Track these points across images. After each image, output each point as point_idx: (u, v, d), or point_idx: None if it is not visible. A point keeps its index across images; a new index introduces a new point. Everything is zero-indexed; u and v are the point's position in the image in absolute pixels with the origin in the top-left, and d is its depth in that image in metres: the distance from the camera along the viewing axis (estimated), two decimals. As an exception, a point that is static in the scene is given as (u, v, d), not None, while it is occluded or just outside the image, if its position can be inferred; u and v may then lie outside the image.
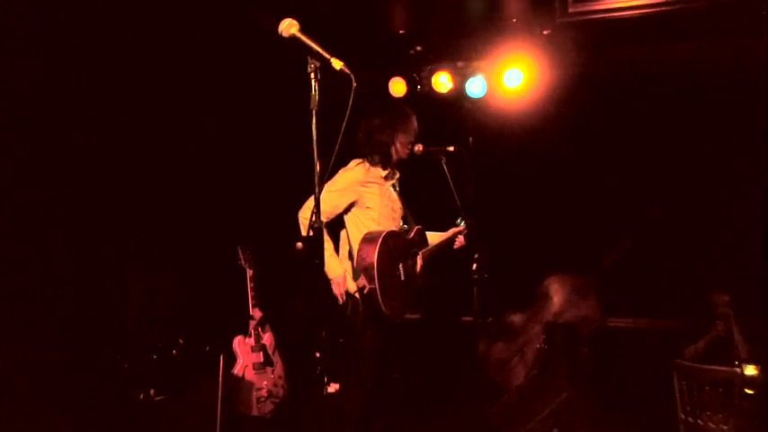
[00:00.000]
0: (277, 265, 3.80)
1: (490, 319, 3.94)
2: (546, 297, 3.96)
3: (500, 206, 4.19)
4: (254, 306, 3.71)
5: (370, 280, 2.83)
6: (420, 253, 3.11)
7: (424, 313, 4.14)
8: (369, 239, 2.94)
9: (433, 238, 3.32)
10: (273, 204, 4.00)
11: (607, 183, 4.09)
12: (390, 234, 3.00)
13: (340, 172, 3.03)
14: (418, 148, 3.09)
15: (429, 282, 3.15)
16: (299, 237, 2.69)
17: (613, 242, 3.91)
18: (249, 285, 3.70)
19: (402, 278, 3.00)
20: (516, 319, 4.00)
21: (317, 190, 2.13)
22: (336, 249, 3.11)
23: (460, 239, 3.30)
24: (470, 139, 4.05)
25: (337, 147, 2.11)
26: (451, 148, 3.02)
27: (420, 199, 3.43)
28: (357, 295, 2.93)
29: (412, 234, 3.15)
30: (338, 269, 2.99)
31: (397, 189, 3.21)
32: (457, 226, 3.27)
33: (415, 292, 3.07)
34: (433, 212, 3.32)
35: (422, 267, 3.09)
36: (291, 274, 3.62)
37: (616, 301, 3.90)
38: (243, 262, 3.77)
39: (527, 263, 4.15)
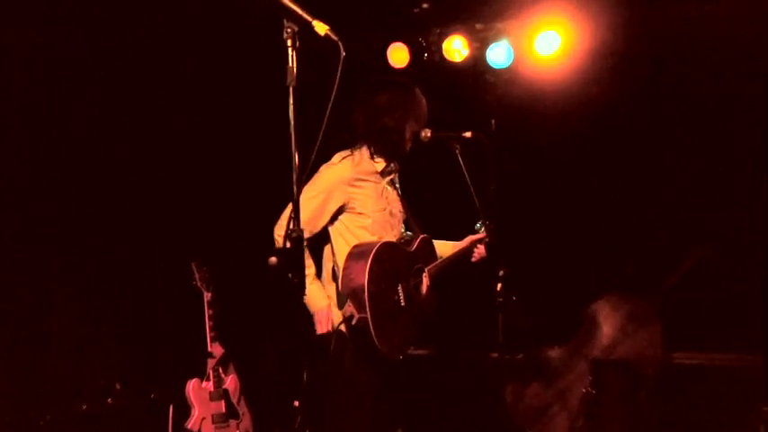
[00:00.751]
0: (243, 285, 3.79)
1: (521, 356, 3.90)
2: (593, 326, 3.91)
3: (530, 207, 4.12)
4: (212, 340, 3.67)
5: (360, 307, 2.81)
6: (426, 270, 3.10)
7: (434, 348, 4.09)
8: (357, 254, 2.92)
9: (445, 249, 3.31)
10: (238, 208, 4.08)
11: (669, 177, 4.06)
12: (386, 246, 3.00)
13: (321, 169, 3.02)
14: (426, 134, 3.07)
15: (439, 307, 3.12)
16: (271, 249, 2.67)
17: (680, 255, 3.86)
18: (207, 313, 3.67)
19: (402, 303, 2.98)
20: (555, 354, 3.97)
21: (294, 189, 2.12)
22: (318, 271, 3.10)
23: (480, 250, 3.28)
24: (492, 121, 4.03)
25: (321, 134, 2.09)
26: (468, 134, 3.01)
27: (427, 199, 3.42)
28: (344, 327, 2.90)
29: (415, 245, 3.13)
30: (321, 300, 2.98)
31: (397, 186, 3.21)
32: (475, 232, 3.25)
33: (419, 321, 3.05)
34: (445, 216, 3.31)
35: (429, 288, 3.07)
36: (262, 297, 3.53)
37: (683, 332, 3.86)
38: (198, 282, 3.74)
39: (567, 281, 4.07)
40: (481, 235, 3.29)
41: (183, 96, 4.01)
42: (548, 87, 4.24)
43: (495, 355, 3.12)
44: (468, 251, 3.32)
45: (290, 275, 2.08)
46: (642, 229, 4.15)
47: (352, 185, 3.04)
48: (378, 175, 3.12)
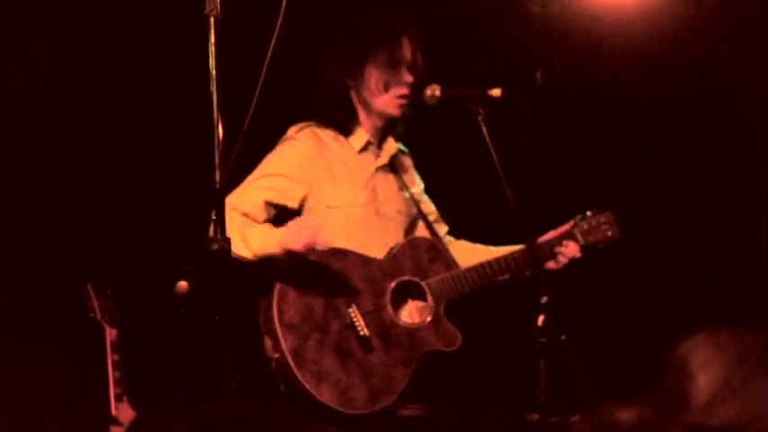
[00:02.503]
0: (164, 316, 3.71)
1: (576, 418, 3.80)
2: (685, 376, 3.84)
3: (584, 199, 3.81)
4: (118, 398, 3.62)
5: (275, 344, 2.94)
6: (426, 284, 3.12)
7: (444, 407, 3.85)
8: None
9: (468, 253, 3.34)
10: (153, 207, 4.00)
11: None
12: (326, 254, 3.02)
13: (278, 147, 3.12)
14: (432, 92, 3.03)
15: (446, 342, 3.12)
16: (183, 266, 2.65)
17: None
18: (110, 358, 3.64)
19: (363, 332, 2.99)
20: (626, 418, 3.89)
21: (217, 175, 2.24)
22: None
23: (570, 250, 3.23)
24: (537, 74, 4.08)
25: (256, 97, 2.24)
26: (497, 92, 2.94)
27: (437, 191, 3.49)
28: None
29: (395, 251, 3.15)
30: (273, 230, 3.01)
31: (405, 176, 3.28)
32: (582, 220, 3.25)
33: (421, 360, 3.05)
34: (461, 216, 3.41)
35: (433, 310, 3.09)
36: (175, 337, 3.63)
37: None
38: (97, 313, 3.68)
39: (643, 309, 4.02)
40: (586, 225, 3.25)
41: (75, 67, 4.13)
42: (621, 26, 4.14)
43: (535, 417, 3.01)
44: (539, 253, 3.17)
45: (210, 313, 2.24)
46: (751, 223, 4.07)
47: (317, 170, 3.09)
48: (358, 156, 3.14)
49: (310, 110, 3.20)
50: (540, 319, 2.76)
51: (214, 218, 2.34)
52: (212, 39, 2.24)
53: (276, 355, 2.92)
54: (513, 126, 2.98)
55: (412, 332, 3.06)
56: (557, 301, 2.81)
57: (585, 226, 3.27)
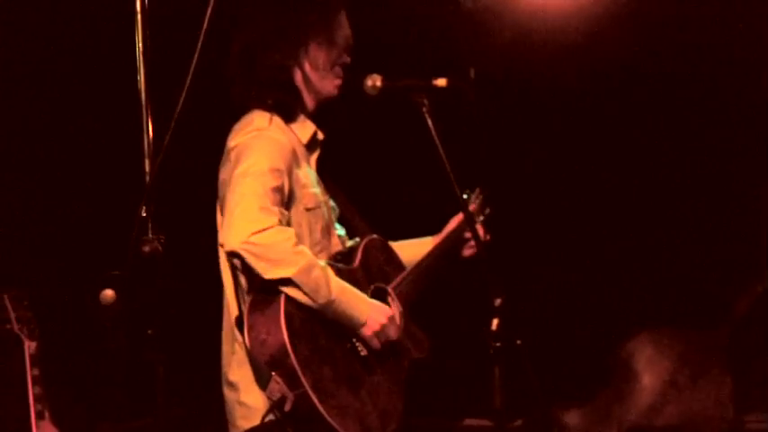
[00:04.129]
0: (88, 327, 3.63)
1: (519, 422, 3.82)
2: (630, 376, 3.88)
3: (529, 193, 4.22)
4: (39, 416, 3.43)
5: (291, 381, 2.66)
6: (390, 289, 2.96)
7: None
8: (263, 299, 2.71)
9: (418, 249, 3.20)
10: (68, 206, 3.86)
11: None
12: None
13: (255, 144, 2.78)
14: (373, 82, 2.92)
15: (419, 348, 3.04)
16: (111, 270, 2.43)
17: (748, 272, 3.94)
18: (29, 374, 3.45)
19: (363, 352, 2.83)
20: (574, 420, 3.92)
21: (146, 164, 2.16)
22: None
23: (471, 239, 3.18)
24: (471, 70, 3.96)
25: (190, 78, 2.11)
26: (442, 82, 2.88)
27: (376, 188, 3.47)
28: (274, 415, 2.71)
29: (358, 257, 2.98)
30: (359, 293, 2.80)
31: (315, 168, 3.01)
32: (464, 202, 3.00)
33: (407, 375, 2.96)
34: (405, 213, 3.37)
35: (404, 316, 2.96)
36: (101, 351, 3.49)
37: (758, 386, 3.88)
38: (14, 326, 3.45)
39: (590, 306, 4.06)
40: (474, 206, 3.21)
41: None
42: (554, 18, 4.18)
43: (489, 423, 3.01)
44: (454, 240, 3.15)
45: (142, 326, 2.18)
46: (696, 222, 4.18)
47: (295, 166, 2.85)
48: (305, 149, 2.91)
49: (244, 95, 2.95)
50: (494, 322, 2.71)
51: (144, 215, 2.25)
52: (139, 31, 2.21)
53: (297, 391, 2.68)
54: (459, 118, 3.11)
55: (393, 343, 2.93)
56: (510, 303, 2.78)
57: (474, 206, 3.28)
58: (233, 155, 2.75)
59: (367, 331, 2.79)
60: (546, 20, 4.29)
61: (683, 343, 3.95)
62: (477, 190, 3.28)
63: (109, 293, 2.15)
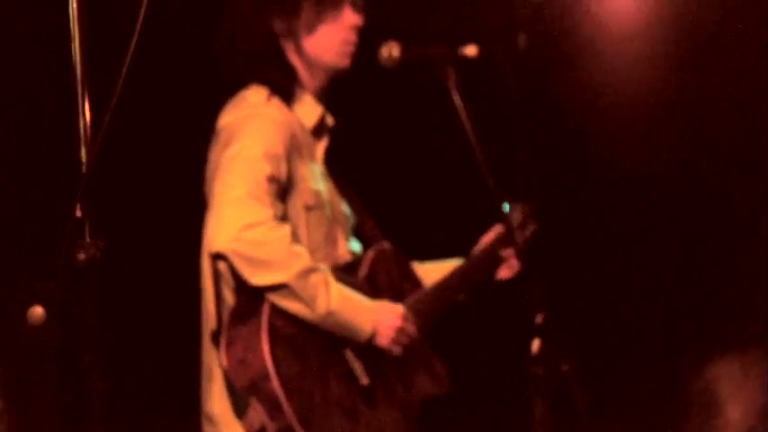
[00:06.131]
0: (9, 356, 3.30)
1: None
2: (713, 408, 3.75)
3: (579, 192, 4.01)
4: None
5: (273, 409, 2.58)
6: (406, 306, 2.80)
7: None
8: (245, 309, 2.62)
9: (436, 273, 3.02)
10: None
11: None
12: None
13: (251, 124, 2.67)
14: (389, 51, 2.73)
15: (438, 382, 2.89)
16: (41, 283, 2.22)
17: None
18: None
19: (364, 381, 2.72)
20: None
21: (83, 154, 2.05)
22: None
23: (510, 255, 3.02)
24: (521, 36, 3.90)
25: (129, 55, 1.99)
26: (472, 51, 2.71)
27: (394, 183, 3.44)
28: None
29: (366, 267, 2.87)
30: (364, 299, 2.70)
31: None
32: (505, 216, 2.95)
33: (418, 409, 2.85)
34: (430, 217, 3.33)
35: (421, 340, 2.83)
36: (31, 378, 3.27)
37: None
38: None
39: (647, 319, 3.94)
40: (512, 220, 3.00)
41: None
42: None
43: None
44: (489, 259, 3.00)
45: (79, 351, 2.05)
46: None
47: (296, 156, 2.74)
48: (310, 137, 2.78)
49: (230, 73, 2.81)
50: (535, 344, 2.56)
51: (79, 215, 2.08)
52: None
53: (278, 422, 2.57)
54: (492, 95, 2.85)
55: (403, 374, 2.82)
56: (555, 319, 2.62)
57: (516, 222, 3.10)
58: (223, 135, 2.65)
59: (382, 341, 2.69)
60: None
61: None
62: (523, 203, 3.10)
63: (37, 311, 2.07)
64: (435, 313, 2.90)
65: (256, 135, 2.62)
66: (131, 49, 2.03)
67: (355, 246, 2.92)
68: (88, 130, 2.10)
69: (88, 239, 2.07)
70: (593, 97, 4.14)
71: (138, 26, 2.04)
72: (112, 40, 2.11)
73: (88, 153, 2.09)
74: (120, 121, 2.11)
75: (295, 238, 2.60)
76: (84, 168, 2.07)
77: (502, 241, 3.02)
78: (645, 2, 4.13)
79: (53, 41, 2.21)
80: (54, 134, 2.24)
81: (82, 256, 2.04)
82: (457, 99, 2.63)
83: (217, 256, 2.53)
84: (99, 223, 2.12)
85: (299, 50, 2.79)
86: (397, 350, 2.69)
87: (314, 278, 2.52)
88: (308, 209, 2.76)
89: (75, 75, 2.09)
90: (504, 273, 3.04)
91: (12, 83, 3.27)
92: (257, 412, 2.59)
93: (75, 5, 2.08)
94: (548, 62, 4.01)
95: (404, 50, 2.73)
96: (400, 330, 2.71)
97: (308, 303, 2.56)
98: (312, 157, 2.81)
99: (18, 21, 3.49)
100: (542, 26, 4.03)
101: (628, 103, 4.13)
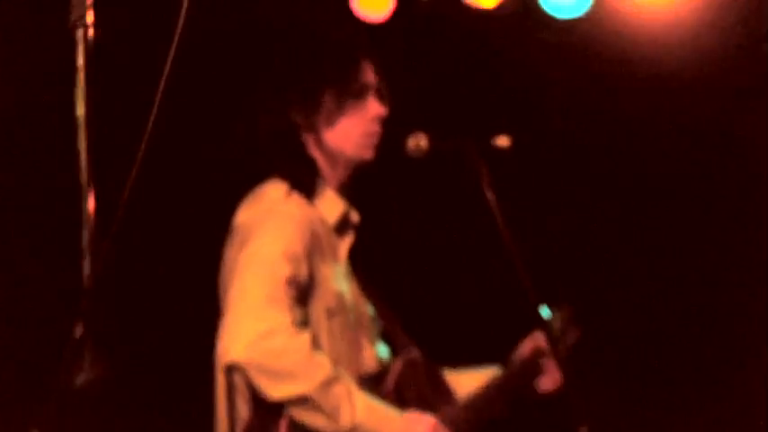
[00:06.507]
0: None
1: None
2: None
3: (625, 283, 3.92)
4: None
5: None
6: (442, 419, 2.64)
7: None
8: (259, 424, 2.48)
9: (471, 382, 2.87)
10: None
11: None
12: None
13: (262, 215, 2.60)
14: (416, 142, 2.67)
15: None
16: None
17: None
18: None
19: None
20: None
21: (85, 265, 1.87)
22: None
23: (550, 368, 2.87)
24: (554, 120, 3.89)
25: (147, 135, 1.87)
26: (505, 141, 2.69)
27: (422, 285, 3.46)
28: None
29: (394, 378, 2.71)
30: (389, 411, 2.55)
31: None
32: (546, 322, 2.84)
33: None
34: (461, 318, 3.25)
35: None
36: None
37: None
38: None
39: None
40: (555, 330, 2.87)
41: None
42: (656, 53, 3.97)
43: None
44: (529, 370, 2.83)
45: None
46: None
47: (318, 255, 2.61)
48: (333, 234, 2.65)
49: (250, 167, 2.72)
50: None
51: (79, 336, 1.89)
52: (80, 61, 1.95)
53: None
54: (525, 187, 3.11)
55: None
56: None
57: (557, 328, 2.96)
58: (240, 233, 2.55)
59: None
60: (653, 45, 4.05)
61: None
62: (563, 307, 2.96)
63: (35, 436, 1.87)
64: (471, 428, 2.72)
65: (275, 234, 2.50)
66: (143, 145, 1.92)
67: (383, 350, 2.77)
68: (91, 239, 1.94)
69: (89, 361, 1.92)
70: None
71: (150, 125, 1.94)
72: (121, 133, 2.07)
73: (91, 266, 1.92)
74: (128, 223, 1.95)
75: (316, 344, 2.46)
76: (84, 282, 1.92)
77: (543, 350, 2.85)
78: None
79: (58, 155, 2.08)
80: (53, 247, 2.23)
81: (79, 380, 1.91)
82: (490, 196, 2.54)
83: (232, 367, 2.40)
84: (103, 339, 1.97)
85: (320, 143, 2.68)
86: None
87: (337, 389, 2.38)
88: (330, 314, 2.63)
89: (79, 169, 1.95)
90: (545, 384, 2.87)
91: (12, 192, 3.19)
92: None
93: (81, 85, 1.95)
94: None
95: (432, 142, 2.66)
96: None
97: (332, 416, 2.40)
98: (335, 257, 2.67)
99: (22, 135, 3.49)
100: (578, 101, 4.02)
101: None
